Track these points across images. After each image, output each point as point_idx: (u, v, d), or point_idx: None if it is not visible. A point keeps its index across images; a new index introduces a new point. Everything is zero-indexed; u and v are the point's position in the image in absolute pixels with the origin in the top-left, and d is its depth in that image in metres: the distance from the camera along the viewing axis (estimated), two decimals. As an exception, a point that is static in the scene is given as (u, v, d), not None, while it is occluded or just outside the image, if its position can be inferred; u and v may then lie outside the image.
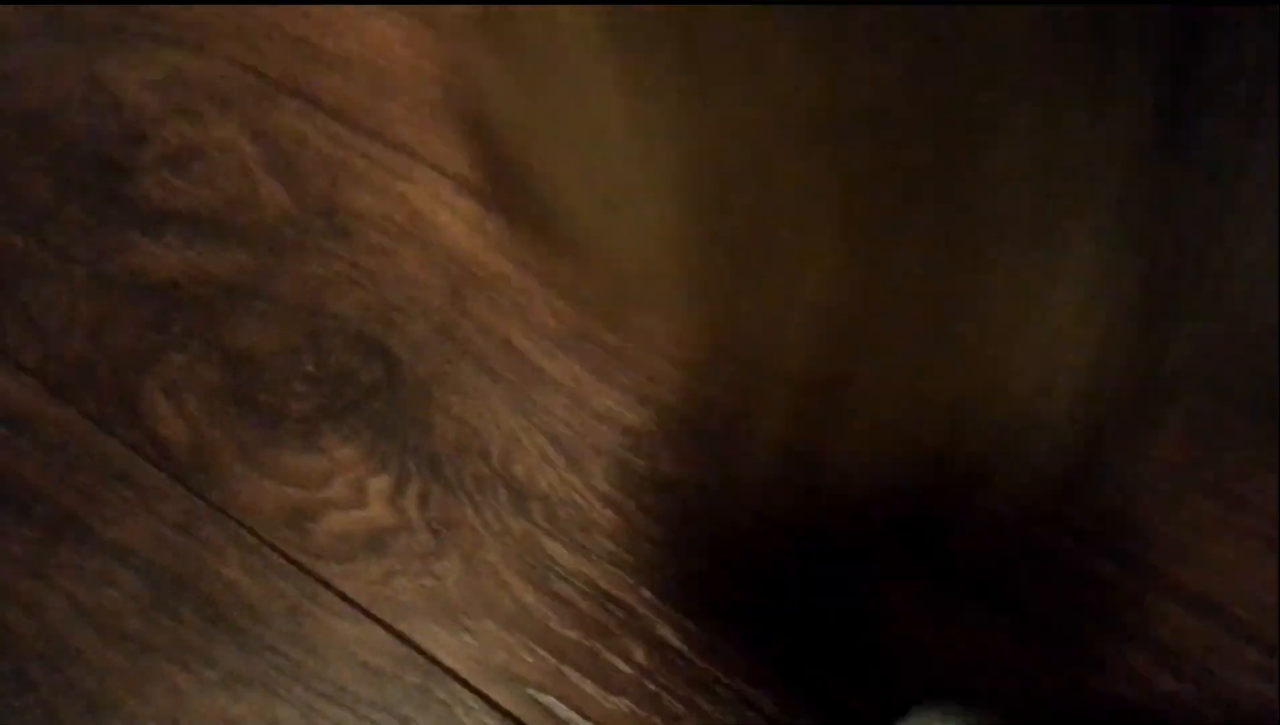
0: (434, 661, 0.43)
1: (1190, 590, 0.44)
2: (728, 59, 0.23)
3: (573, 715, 0.42)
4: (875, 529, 0.46)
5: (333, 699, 0.42)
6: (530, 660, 0.43)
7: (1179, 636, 0.43)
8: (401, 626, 0.44)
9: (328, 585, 0.45)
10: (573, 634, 0.44)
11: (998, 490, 0.39)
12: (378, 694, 0.42)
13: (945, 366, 0.28)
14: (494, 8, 0.26)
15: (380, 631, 0.44)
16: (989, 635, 0.44)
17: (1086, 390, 0.27)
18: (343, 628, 0.44)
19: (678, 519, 0.46)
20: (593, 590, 0.45)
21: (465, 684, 0.43)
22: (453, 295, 0.53)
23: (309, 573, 0.45)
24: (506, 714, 0.42)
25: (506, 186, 0.31)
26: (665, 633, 0.44)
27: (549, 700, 0.42)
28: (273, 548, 0.46)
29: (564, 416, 0.49)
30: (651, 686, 0.43)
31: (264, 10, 0.64)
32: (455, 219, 0.56)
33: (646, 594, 0.45)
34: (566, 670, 0.43)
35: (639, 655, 0.43)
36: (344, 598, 0.44)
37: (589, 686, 0.43)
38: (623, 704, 0.42)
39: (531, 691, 0.43)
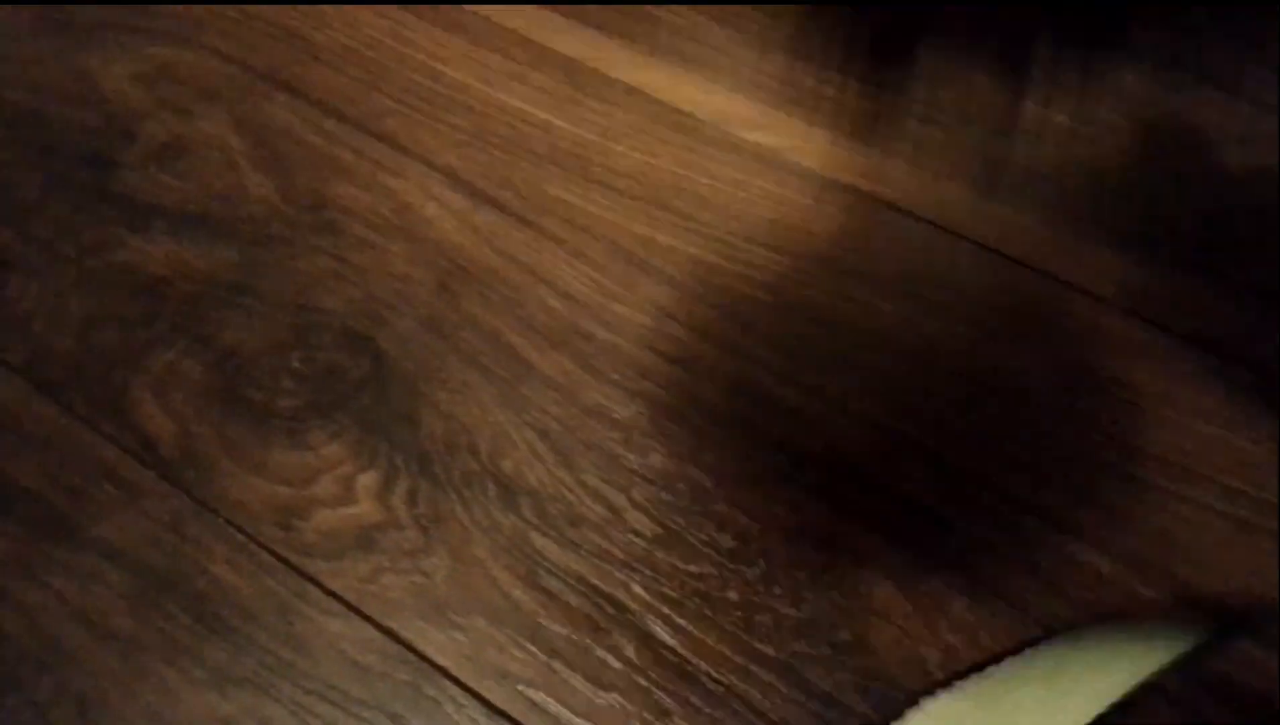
0: (423, 658, 0.43)
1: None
2: None
3: (562, 711, 0.42)
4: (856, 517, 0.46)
5: (322, 696, 0.42)
6: (520, 656, 0.43)
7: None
8: (390, 623, 0.44)
9: (316, 583, 0.45)
10: (562, 630, 0.44)
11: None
12: (367, 691, 0.42)
13: None
14: None
15: (369, 628, 0.44)
16: (977, 628, 0.44)
17: None
18: (332, 625, 0.44)
19: (668, 514, 0.46)
20: (582, 586, 0.45)
21: (455, 680, 0.43)
22: (441, 290, 0.53)
23: (297, 570, 0.45)
24: (496, 710, 0.42)
25: None
26: (655, 628, 0.44)
27: (539, 696, 0.42)
28: (261, 545, 0.45)
29: (553, 411, 0.49)
30: (642, 682, 0.43)
31: (250, 3, 0.64)
32: (444, 213, 0.55)
33: (637, 589, 0.45)
34: (556, 666, 0.43)
35: (629, 650, 0.43)
36: (333, 595, 0.44)
37: (578, 682, 0.43)
38: (613, 699, 0.42)
39: (521, 687, 0.43)
